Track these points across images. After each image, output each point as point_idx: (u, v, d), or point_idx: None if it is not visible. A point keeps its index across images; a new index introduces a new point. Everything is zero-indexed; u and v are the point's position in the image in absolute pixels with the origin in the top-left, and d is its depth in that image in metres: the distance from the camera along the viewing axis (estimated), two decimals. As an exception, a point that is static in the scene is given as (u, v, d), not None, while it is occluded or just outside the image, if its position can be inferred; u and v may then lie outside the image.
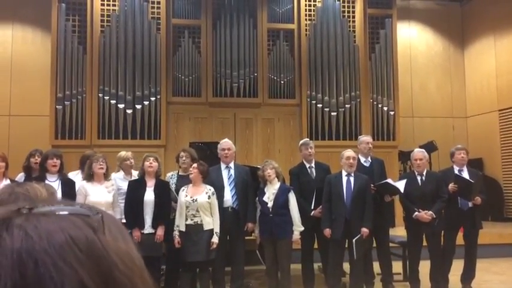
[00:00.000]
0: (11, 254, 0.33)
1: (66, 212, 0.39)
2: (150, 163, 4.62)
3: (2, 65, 8.37)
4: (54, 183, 4.37)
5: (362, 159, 5.20)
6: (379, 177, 5.06)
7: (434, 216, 4.74)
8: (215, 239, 4.47)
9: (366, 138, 5.38)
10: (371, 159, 5.25)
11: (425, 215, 4.74)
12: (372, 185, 4.90)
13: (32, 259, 0.34)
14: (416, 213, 4.78)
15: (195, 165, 4.62)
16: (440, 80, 9.88)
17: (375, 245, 5.14)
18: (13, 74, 8.39)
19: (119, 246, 0.39)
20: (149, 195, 4.56)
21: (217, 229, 4.51)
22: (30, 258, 0.34)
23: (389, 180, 4.94)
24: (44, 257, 0.34)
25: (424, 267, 4.96)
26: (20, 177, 4.70)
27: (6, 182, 4.17)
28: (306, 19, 8.40)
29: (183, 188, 4.61)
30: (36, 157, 4.68)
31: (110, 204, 4.52)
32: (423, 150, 5.23)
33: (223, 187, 4.87)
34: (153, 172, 4.63)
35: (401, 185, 4.85)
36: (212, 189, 4.60)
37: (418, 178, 4.92)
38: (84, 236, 0.37)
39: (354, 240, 4.62)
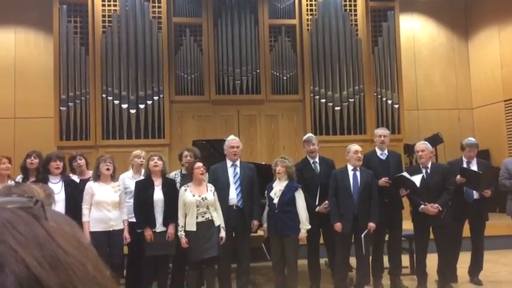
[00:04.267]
0: None
1: (9, 206, 0.39)
2: (155, 162, 4.64)
3: (5, 69, 8.41)
4: (57, 184, 4.40)
5: (378, 152, 5.17)
6: (395, 171, 5.02)
7: (441, 209, 4.70)
8: (223, 234, 4.56)
9: (378, 131, 5.34)
10: (388, 152, 5.20)
11: (431, 207, 4.70)
12: (387, 178, 4.87)
13: None
14: (422, 206, 4.74)
15: (200, 164, 4.62)
16: (444, 72, 9.80)
17: (386, 238, 5.12)
18: (17, 77, 8.43)
19: (63, 229, 0.39)
20: (158, 194, 4.59)
21: (223, 224, 4.59)
22: None
23: (405, 174, 4.88)
24: None
25: (432, 260, 4.93)
26: (19, 178, 4.73)
27: (11, 183, 4.20)
28: (307, 14, 8.36)
29: (184, 187, 4.60)
30: (33, 158, 4.68)
31: (116, 203, 4.55)
32: (425, 142, 5.19)
33: (228, 185, 4.87)
34: (159, 171, 4.65)
35: (417, 179, 4.80)
36: (212, 185, 4.66)
37: (423, 171, 4.88)
38: (23, 220, 0.37)
39: (362, 235, 4.61)
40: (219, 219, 4.55)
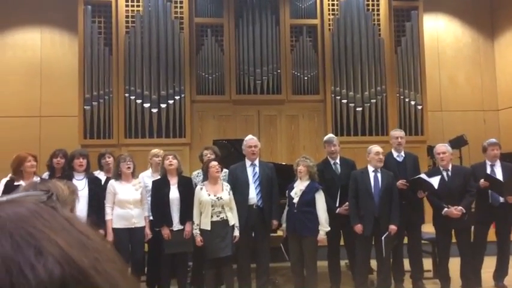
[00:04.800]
0: None
1: (27, 199, 0.42)
2: (170, 161, 4.67)
3: (32, 68, 8.60)
4: (81, 181, 4.48)
5: (395, 154, 5.10)
6: (412, 173, 4.96)
7: (464, 211, 4.62)
8: (237, 233, 4.57)
9: (394, 133, 5.28)
10: (404, 154, 5.14)
11: (455, 210, 4.62)
12: (405, 181, 4.80)
13: (6, 232, 0.35)
14: (445, 209, 4.66)
15: (215, 162, 4.63)
16: (469, 73, 9.60)
17: (405, 241, 5.05)
18: (43, 76, 8.62)
19: (76, 220, 0.41)
20: (174, 193, 4.63)
21: (237, 223, 4.59)
22: (3, 232, 0.35)
23: (423, 176, 4.82)
24: (16, 228, 0.36)
25: (456, 264, 4.84)
26: (46, 175, 4.83)
27: (37, 179, 4.30)
28: (329, 14, 8.31)
29: (200, 186, 4.62)
30: (59, 158, 4.78)
31: (138, 201, 4.61)
32: (445, 144, 5.11)
33: (248, 184, 4.87)
34: (174, 170, 4.69)
35: (435, 181, 4.72)
36: (228, 185, 4.65)
37: (444, 173, 4.79)
38: (46, 211, 0.39)
39: (382, 237, 4.55)
40: (233, 219, 4.57)
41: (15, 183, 4.28)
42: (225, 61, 8.06)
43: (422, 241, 5.26)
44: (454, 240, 4.87)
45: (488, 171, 4.93)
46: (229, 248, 4.48)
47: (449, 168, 4.82)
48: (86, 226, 0.41)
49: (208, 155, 5.06)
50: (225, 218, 4.52)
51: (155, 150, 5.26)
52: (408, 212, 4.84)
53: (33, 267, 0.33)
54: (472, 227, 4.93)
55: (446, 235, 4.80)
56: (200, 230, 4.49)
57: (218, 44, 8.14)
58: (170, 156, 4.73)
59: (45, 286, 0.33)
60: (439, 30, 9.59)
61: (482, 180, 4.79)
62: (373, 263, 4.95)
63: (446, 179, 4.77)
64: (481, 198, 4.82)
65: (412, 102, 8.26)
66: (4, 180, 4.49)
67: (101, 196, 4.54)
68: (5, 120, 8.34)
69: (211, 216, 4.49)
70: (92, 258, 0.36)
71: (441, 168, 4.85)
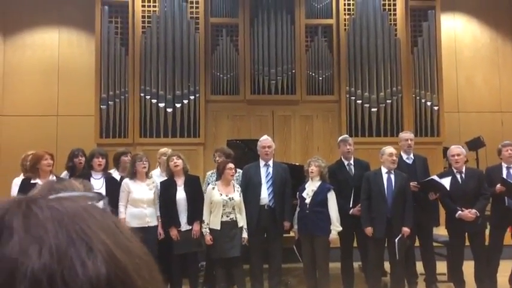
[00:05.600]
0: (44, 223, 0.37)
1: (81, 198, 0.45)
2: (175, 162, 4.67)
3: (50, 68, 8.74)
4: (98, 180, 4.54)
5: (404, 157, 5.07)
6: (422, 175, 4.92)
7: (478, 214, 4.56)
8: (245, 235, 4.59)
9: (404, 135, 5.24)
10: (414, 156, 5.10)
11: (469, 213, 4.56)
12: (416, 183, 4.76)
13: (63, 226, 0.37)
14: (459, 212, 4.60)
15: (232, 165, 4.64)
16: (487, 73, 9.44)
17: (417, 244, 5.00)
18: (60, 75, 8.74)
19: (121, 223, 0.43)
20: (180, 194, 4.64)
21: (245, 225, 4.62)
22: (60, 226, 0.37)
23: (434, 177, 4.78)
24: (72, 224, 0.38)
25: (470, 267, 4.78)
26: (64, 175, 4.90)
27: (53, 178, 4.36)
28: (345, 13, 8.26)
29: (212, 185, 4.64)
30: (80, 157, 4.86)
31: (151, 200, 4.64)
32: (459, 146, 5.05)
33: (260, 184, 4.88)
34: (180, 170, 4.69)
35: (446, 182, 4.68)
36: (239, 186, 4.69)
37: (458, 176, 4.73)
38: (97, 210, 0.42)
39: (396, 240, 4.52)
40: (242, 221, 4.59)
41: (32, 181, 4.35)
42: (240, 61, 8.08)
43: (437, 244, 5.20)
44: (468, 243, 4.81)
45: (504, 174, 4.85)
46: (236, 249, 4.49)
47: (463, 170, 4.76)
48: (130, 231, 0.42)
49: (217, 158, 5.07)
50: (234, 218, 4.54)
51: (164, 149, 5.28)
52: (418, 214, 4.80)
53: (84, 264, 0.35)
54: (487, 230, 4.87)
55: (460, 238, 4.74)
56: (209, 229, 4.52)
57: (233, 44, 8.16)
58: (174, 157, 4.71)
59: (91, 283, 0.34)
60: (457, 30, 9.45)
61: (498, 185, 4.71)
62: (386, 265, 4.91)
63: (460, 182, 4.71)
64: (497, 201, 4.74)
65: (428, 103, 8.17)
66: (18, 180, 4.55)
67: (117, 196, 4.59)
68: (22, 119, 8.50)
69: (221, 216, 4.51)
70: (134, 262, 0.38)
71: (455, 171, 4.80)
